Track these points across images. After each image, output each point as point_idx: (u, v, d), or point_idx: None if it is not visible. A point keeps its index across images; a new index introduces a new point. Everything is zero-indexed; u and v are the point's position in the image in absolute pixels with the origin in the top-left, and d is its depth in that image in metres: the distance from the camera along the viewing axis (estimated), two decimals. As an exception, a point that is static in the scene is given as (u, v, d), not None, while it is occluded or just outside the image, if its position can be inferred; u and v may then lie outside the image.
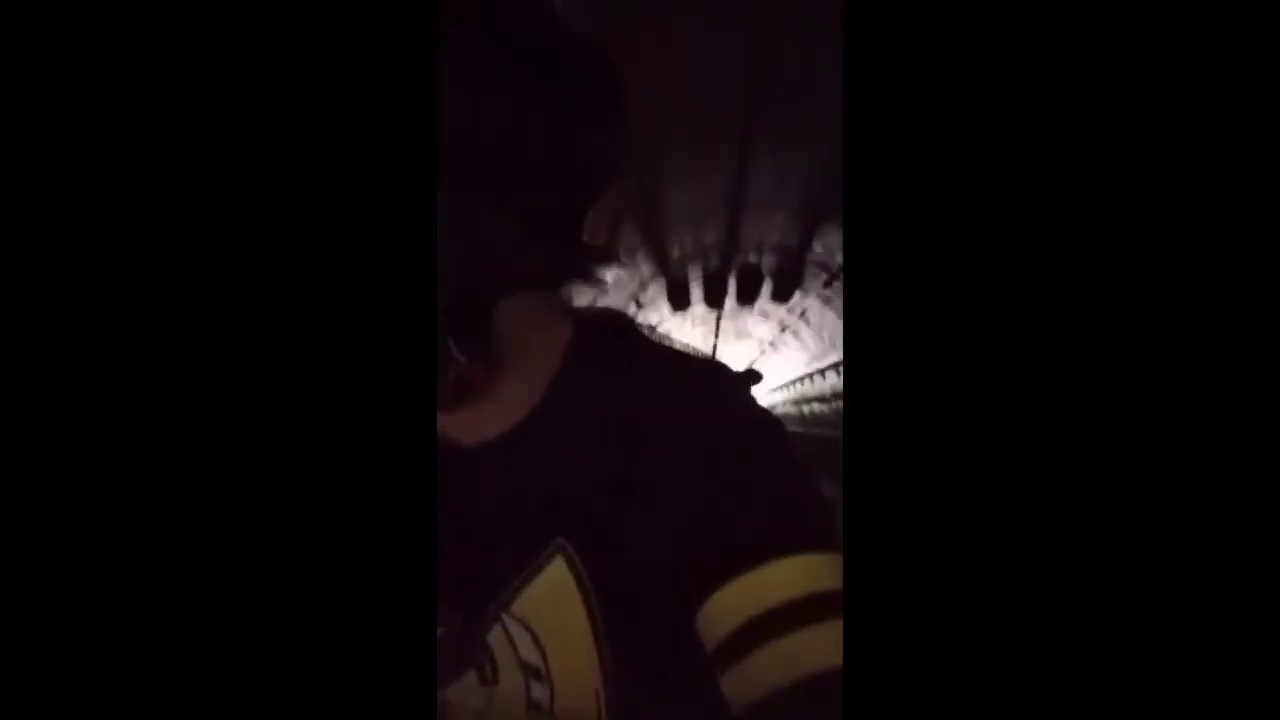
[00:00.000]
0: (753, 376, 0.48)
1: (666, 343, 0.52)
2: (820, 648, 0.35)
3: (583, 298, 0.48)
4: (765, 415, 0.45)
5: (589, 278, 0.46)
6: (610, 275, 0.46)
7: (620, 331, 0.50)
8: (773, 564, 0.38)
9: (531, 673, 0.43)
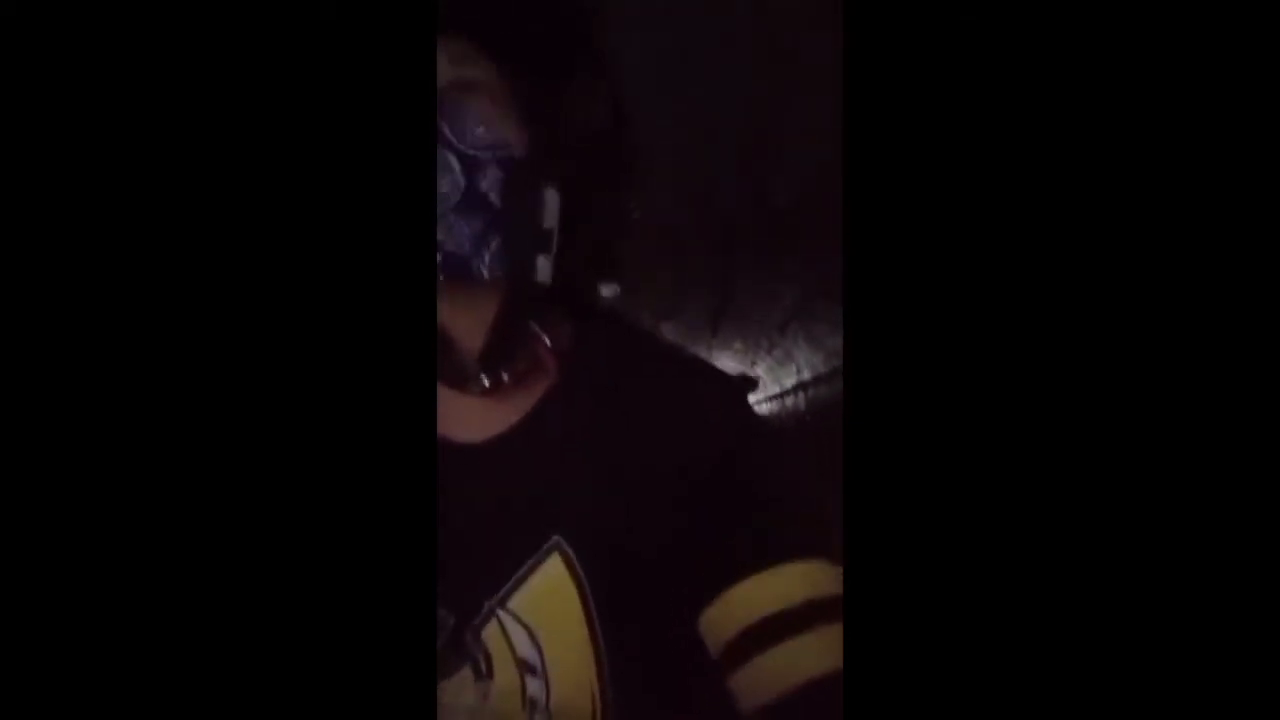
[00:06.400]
0: (749, 382, 0.48)
1: (666, 344, 0.53)
2: (819, 654, 0.36)
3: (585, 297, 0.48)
4: (760, 420, 0.46)
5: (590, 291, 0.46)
6: (609, 290, 0.47)
7: (620, 331, 0.51)
8: (770, 571, 0.38)
9: (527, 669, 0.43)
